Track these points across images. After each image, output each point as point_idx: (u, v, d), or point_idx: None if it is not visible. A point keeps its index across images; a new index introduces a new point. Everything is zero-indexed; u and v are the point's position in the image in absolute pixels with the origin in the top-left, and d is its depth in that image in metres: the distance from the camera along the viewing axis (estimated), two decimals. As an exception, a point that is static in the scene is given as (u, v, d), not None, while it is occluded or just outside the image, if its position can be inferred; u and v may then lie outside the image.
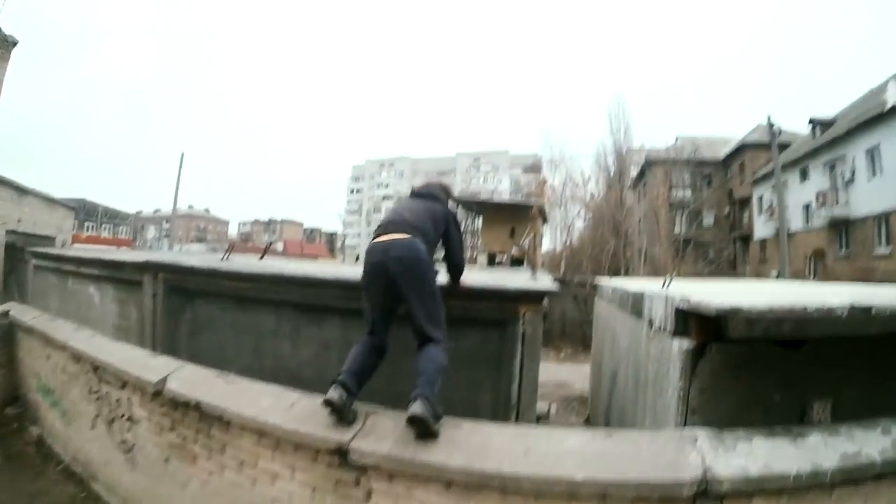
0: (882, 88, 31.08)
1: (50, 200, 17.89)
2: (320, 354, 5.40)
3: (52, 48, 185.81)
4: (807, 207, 36.36)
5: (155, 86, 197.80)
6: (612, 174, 49.75)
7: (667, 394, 4.17)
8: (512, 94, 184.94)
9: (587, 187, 48.78)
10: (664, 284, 5.66)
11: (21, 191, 15.99)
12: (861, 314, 3.41)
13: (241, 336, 5.93)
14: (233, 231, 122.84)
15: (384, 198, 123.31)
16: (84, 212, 60.18)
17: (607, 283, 10.30)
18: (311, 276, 5.68)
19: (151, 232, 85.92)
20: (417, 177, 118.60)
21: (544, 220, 37.28)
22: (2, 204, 14.56)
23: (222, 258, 7.80)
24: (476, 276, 5.81)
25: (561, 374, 16.68)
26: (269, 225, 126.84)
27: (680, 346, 3.91)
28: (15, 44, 16.81)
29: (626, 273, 38.32)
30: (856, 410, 3.73)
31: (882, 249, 28.70)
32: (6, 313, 8.52)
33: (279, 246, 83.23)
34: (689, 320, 3.93)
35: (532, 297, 4.87)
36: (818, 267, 35.01)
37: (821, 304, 3.40)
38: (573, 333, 22.60)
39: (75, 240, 30.72)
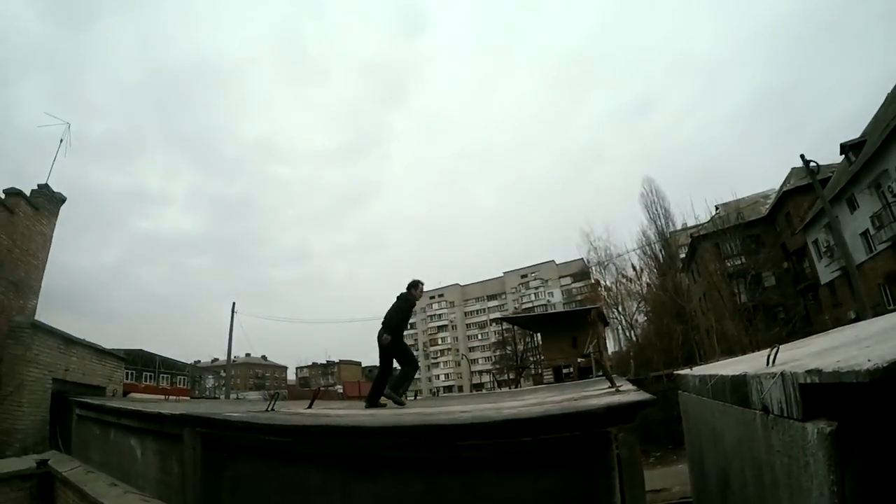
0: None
1: (99, 350, 17.73)
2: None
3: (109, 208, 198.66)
4: (865, 235, 35.05)
5: (206, 241, 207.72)
6: (661, 261, 49.22)
7: (811, 493, 3.22)
8: (542, 205, 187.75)
9: (641, 280, 48.08)
10: (769, 360, 4.67)
11: (69, 340, 15.79)
12: None
13: (286, 494, 5.30)
14: (291, 376, 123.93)
15: (439, 328, 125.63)
16: (142, 362, 61.39)
17: (689, 372, 9.41)
18: (358, 424, 5.09)
19: (210, 381, 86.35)
20: (469, 303, 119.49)
21: (604, 322, 36.46)
22: (49, 352, 14.42)
23: (267, 409, 7.56)
24: (545, 397, 5.20)
25: (655, 479, 15.66)
26: (327, 367, 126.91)
27: (820, 431, 2.97)
28: (63, 201, 17.38)
29: (701, 358, 36.71)
30: None
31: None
32: (45, 461, 8.54)
33: (339, 388, 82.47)
34: (818, 399, 3.07)
35: (621, 414, 4.08)
36: (895, 291, 33.49)
37: None
38: (658, 434, 21.33)
39: (132, 389, 30.38)
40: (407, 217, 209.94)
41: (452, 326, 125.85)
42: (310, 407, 8.19)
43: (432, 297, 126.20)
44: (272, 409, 7.29)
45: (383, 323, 9.65)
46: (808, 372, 3.02)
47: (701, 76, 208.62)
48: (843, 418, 2.87)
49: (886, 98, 35.33)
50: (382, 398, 9.25)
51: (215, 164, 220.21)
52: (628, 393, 5.00)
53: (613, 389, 5.56)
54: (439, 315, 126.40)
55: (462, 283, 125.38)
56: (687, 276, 54.31)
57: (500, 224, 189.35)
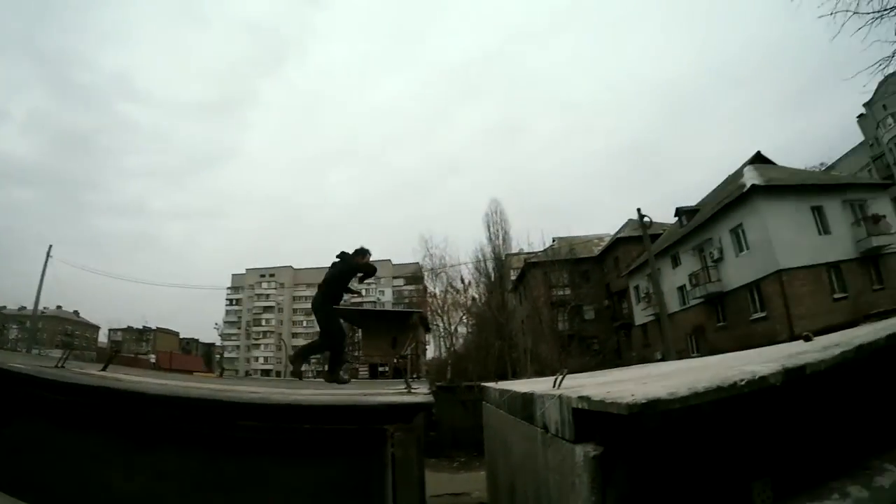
0: (739, 174, 36.28)
1: None
2: (154, 487, 4.36)
3: None
4: (681, 289, 40.15)
5: (35, 171, 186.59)
6: (492, 279, 50.61)
7: None
8: (393, 204, 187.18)
9: (468, 293, 49.20)
10: (555, 383, 4.83)
11: None
12: (795, 375, 3.04)
13: (66, 462, 4.74)
14: (103, 338, 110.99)
15: (265, 309, 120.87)
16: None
17: (493, 386, 9.70)
18: (139, 391, 4.76)
19: (14, 332, 77.32)
20: (299, 288, 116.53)
21: (426, 328, 36.90)
22: None
23: (57, 364, 6.73)
24: (341, 390, 5.23)
25: (457, 483, 16.28)
26: (143, 334, 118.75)
27: (585, 454, 3.17)
28: None
29: (514, 374, 38.08)
30: (801, 481, 3.29)
31: (758, 314, 32.28)
32: None
33: (153, 357, 78.52)
34: (590, 423, 3.25)
35: (400, 414, 4.14)
36: (700, 342, 37.96)
37: (750, 375, 2.88)
38: (465, 440, 21.90)
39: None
40: (258, 193, 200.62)
41: (279, 309, 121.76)
42: (104, 369, 7.63)
43: (262, 276, 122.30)
44: (62, 366, 6.69)
45: (319, 286, 9.15)
46: (581, 398, 3.21)
47: (574, 116, 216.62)
48: (609, 444, 3.08)
49: (725, 179, 40.40)
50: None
51: (66, 90, 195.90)
52: (416, 395, 5.04)
53: (406, 390, 5.62)
54: (267, 295, 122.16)
55: (296, 267, 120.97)
56: (514, 297, 56.27)
57: (352, 217, 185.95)
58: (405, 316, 28.83)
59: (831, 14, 8.46)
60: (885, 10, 8.36)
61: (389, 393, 5.42)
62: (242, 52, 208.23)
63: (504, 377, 34.57)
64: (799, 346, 5.43)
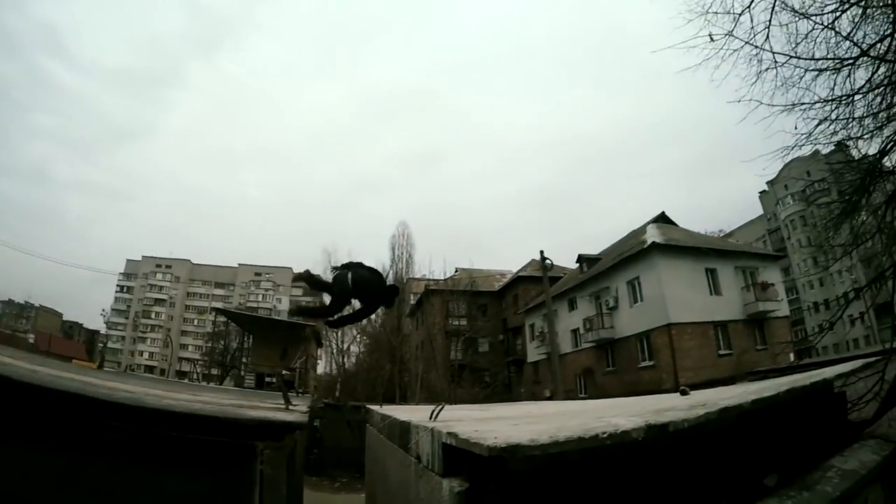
0: (642, 230, 38.18)
1: None
2: (17, 487, 4.08)
3: None
4: (575, 332, 41.54)
5: None
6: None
7: None
8: (302, 212, 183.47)
9: None
10: (432, 415, 4.83)
11: None
12: (658, 432, 3.19)
13: None
14: None
15: (156, 301, 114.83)
16: None
17: (377, 409, 9.70)
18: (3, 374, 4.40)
19: None
20: (194, 284, 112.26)
21: (319, 343, 36.37)
22: None
23: None
24: (214, 398, 5.01)
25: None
26: (24, 310, 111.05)
27: (451, 488, 3.22)
28: None
29: (404, 399, 37.99)
30: None
31: (646, 362, 33.82)
32: None
33: (31, 337, 74.04)
34: (460, 457, 3.27)
35: (272, 431, 4.02)
36: (588, 383, 39.18)
37: (614, 429, 3.04)
38: (349, 461, 21.40)
39: None
40: (167, 180, 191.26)
41: (171, 304, 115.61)
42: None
43: (158, 266, 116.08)
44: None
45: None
46: (450, 433, 3.29)
47: (493, 155, 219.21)
48: (476, 481, 3.10)
49: (629, 233, 42.64)
50: None
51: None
52: (293, 413, 4.97)
53: (285, 406, 5.55)
54: (161, 287, 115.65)
55: (194, 261, 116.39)
56: (411, 322, 56.17)
57: (260, 218, 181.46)
58: (298, 328, 28.18)
59: (738, 101, 8.85)
60: (794, 104, 8.84)
61: (265, 407, 5.31)
62: (177, 26, 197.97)
63: (392, 401, 34.49)
64: (674, 399, 5.63)
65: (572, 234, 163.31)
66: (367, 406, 12.60)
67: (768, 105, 8.71)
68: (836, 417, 6.13)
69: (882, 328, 58.80)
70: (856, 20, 8.83)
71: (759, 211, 75.66)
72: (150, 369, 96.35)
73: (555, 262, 33.18)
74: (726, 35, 9.08)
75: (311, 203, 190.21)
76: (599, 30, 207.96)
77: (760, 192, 69.32)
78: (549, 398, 28.46)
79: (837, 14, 8.89)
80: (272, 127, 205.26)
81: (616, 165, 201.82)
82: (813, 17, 8.86)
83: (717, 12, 9.13)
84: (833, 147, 9.87)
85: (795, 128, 8.94)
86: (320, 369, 49.82)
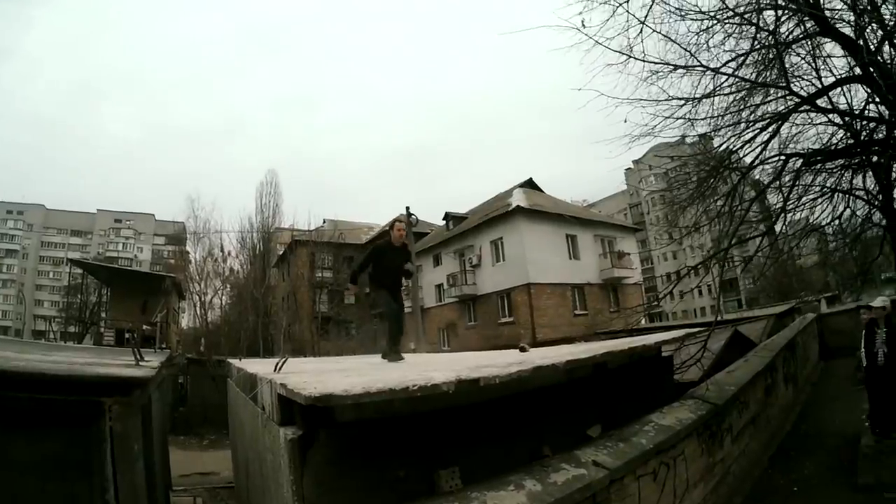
0: (509, 193, 39.64)
1: None
2: None
3: None
4: (439, 287, 42.66)
5: None
6: (257, 252, 48.94)
7: (283, 489, 3.68)
8: (167, 153, 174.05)
9: (227, 263, 47.04)
10: (276, 367, 5.04)
11: None
12: (469, 386, 3.45)
13: None
14: None
15: (7, 252, 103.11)
16: None
17: (236, 363, 9.75)
18: None
19: None
20: (49, 233, 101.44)
21: (181, 295, 35.38)
22: None
23: None
24: (67, 357, 5.07)
25: (206, 462, 15.96)
26: None
27: (286, 436, 3.48)
28: None
29: (270, 352, 37.50)
30: (485, 470, 3.84)
31: (506, 318, 35.32)
32: None
33: None
34: (293, 407, 3.54)
35: (119, 388, 4.08)
36: (451, 336, 40.55)
37: (425, 381, 3.29)
38: (216, 417, 20.45)
39: None
40: (23, 108, 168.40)
41: (24, 255, 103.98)
42: None
43: (9, 212, 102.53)
44: None
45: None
46: (282, 384, 3.53)
47: (369, 108, 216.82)
48: (310, 429, 3.38)
49: (496, 195, 43.83)
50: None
51: None
52: (142, 368, 5.02)
53: (135, 362, 5.54)
54: (11, 236, 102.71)
55: (49, 207, 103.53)
56: (278, 274, 55.21)
57: (122, 159, 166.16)
58: (158, 279, 27.26)
59: (579, 90, 9.39)
60: (642, 99, 9.59)
61: (116, 364, 5.29)
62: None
63: (257, 354, 34.13)
64: (513, 355, 6.15)
65: (442, 193, 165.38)
66: (229, 360, 12.56)
67: (608, 96, 9.29)
68: (663, 378, 6.78)
69: (727, 300, 64.91)
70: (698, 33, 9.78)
71: (623, 186, 79.49)
72: (3, 330, 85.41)
73: (422, 219, 33.62)
74: (602, 24, 9.62)
75: (177, 145, 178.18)
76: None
77: (626, 169, 72.42)
78: (413, 351, 29.08)
79: (700, 31, 9.80)
80: (139, 56, 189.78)
81: (493, 133, 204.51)
82: (689, 19, 9.69)
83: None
84: (697, 138, 10.84)
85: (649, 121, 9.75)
86: (184, 323, 48.45)
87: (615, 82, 9.61)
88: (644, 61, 9.64)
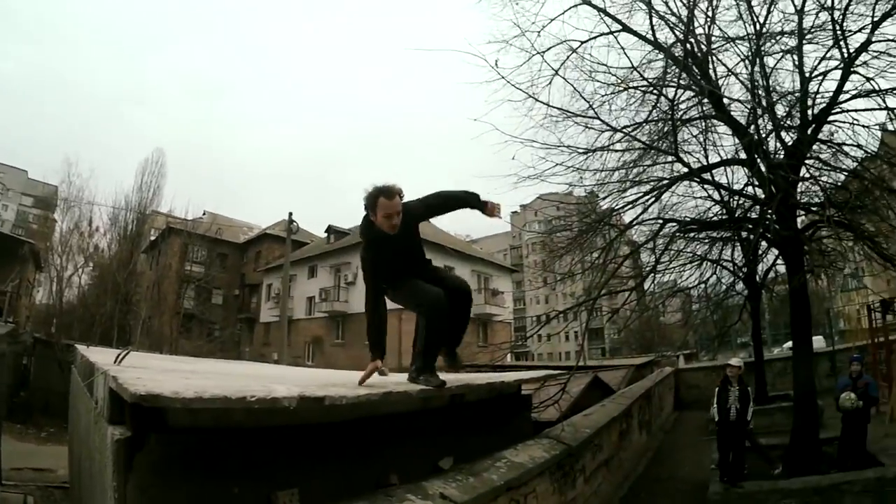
0: None
1: None
2: None
3: None
4: (311, 300, 42.45)
5: None
6: (128, 232, 46.15)
7: (107, 494, 3.31)
8: (49, 107, 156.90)
9: (93, 239, 44.14)
10: (117, 359, 4.61)
11: None
12: (313, 404, 3.33)
13: None
14: None
15: None
16: None
17: (82, 350, 9.01)
18: None
19: None
20: None
21: (38, 266, 33.38)
22: None
23: None
24: None
25: (43, 456, 14.60)
26: None
27: (113, 436, 3.06)
28: None
29: (126, 344, 35.52)
30: (327, 495, 3.65)
31: (371, 341, 34.20)
32: None
33: None
34: (125, 405, 3.13)
35: None
36: (316, 352, 40.34)
37: (266, 394, 3.08)
38: (59, 407, 19.05)
39: None
40: None
41: None
42: None
43: None
44: None
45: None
46: (113, 378, 3.13)
47: (280, 102, 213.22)
48: (140, 431, 3.02)
49: None
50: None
51: None
52: None
53: None
54: None
55: None
56: (147, 260, 52.72)
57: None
58: (16, 244, 25.41)
59: (475, 120, 9.66)
60: (535, 141, 10.02)
61: None
62: None
63: (110, 343, 32.23)
64: (371, 378, 6.18)
65: (331, 206, 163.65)
66: (76, 346, 11.89)
67: (503, 132, 9.62)
68: (521, 416, 6.90)
69: (592, 347, 68.10)
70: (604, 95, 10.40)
71: (509, 227, 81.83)
72: None
73: (305, 228, 33.30)
74: (515, 69, 10.01)
75: (66, 100, 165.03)
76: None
77: (513, 212, 74.28)
78: (277, 362, 28.60)
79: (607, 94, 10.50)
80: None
81: (395, 154, 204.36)
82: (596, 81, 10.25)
83: (517, 46, 10.06)
84: (584, 192, 11.48)
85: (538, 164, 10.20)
86: (38, 298, 45.63)
87: (515, 125, 9.96)
88: (548, 105, 10.05)
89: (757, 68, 10.39)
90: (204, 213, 51.41)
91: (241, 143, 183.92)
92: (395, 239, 4.85)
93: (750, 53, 10.43)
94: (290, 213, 29.96)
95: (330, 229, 44.99)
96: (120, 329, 39.13)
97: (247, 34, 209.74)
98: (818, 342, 24.97)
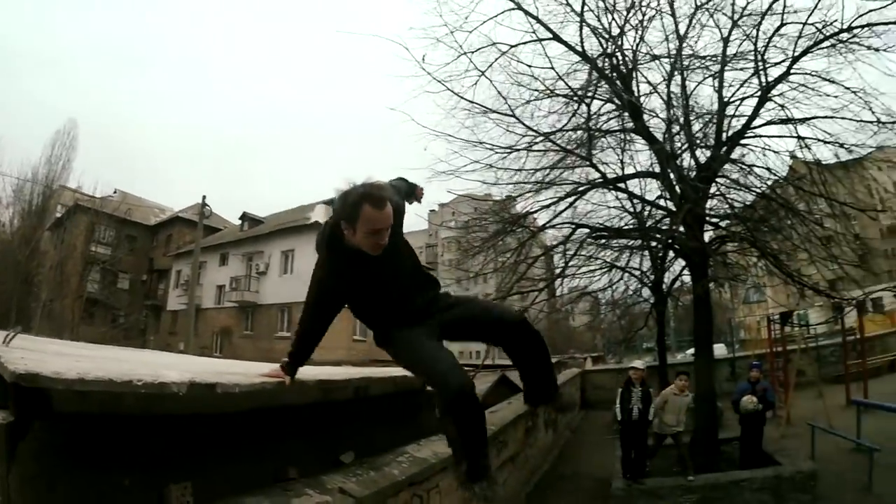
0: (311, 207, 38.71)
1: None
2: None
3: None
4: (221, 289, 40.98)
5: None
6: (33, 207, 43.49)
7: None
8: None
9: None
10: (5, 339, 4.27)
11: None
12: (205, 391, 3.13)
13: None
14: None
15: None
16: None
17: None
18: None
19: None
20: None
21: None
22: None
23: None
24: None
25: None
26: None
27: None
28: None
29: (28, 326, 33.76)
30: (222, 489, 3.48)
31: (283, 332, 34.59)
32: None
33: None
34: (8, 388, 2.87)
35: None
36: (224, 343, 38.87)
37: (153, 378, 2.89)
38: None
39: None
40: None
41: None
42: None
43: None
44: None
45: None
46: None
47: (198, 83, 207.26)
48: (24, 416, 2.70)
49: (297, 207, 42.21)
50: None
51: None
52: None
53: None
54: None
55: None
56: (51, 239, 50.08)
57: None
58: None
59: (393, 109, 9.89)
60: (450, 135, 10.18)
61: None
62: None
63: (6, 326, 30.61)
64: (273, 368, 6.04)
65: (247, 192, 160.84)
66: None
67: (421, 125, 9.81)
68: (426, 412, 6.93)
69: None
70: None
71: (426, 225, 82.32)
72: None
73: (220, 214, 32.54)
74: (444, 65, 10.09)
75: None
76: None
77: (431, 210, 74.59)
78: (183, 352, 27.74)
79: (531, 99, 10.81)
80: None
81: (315, 144, 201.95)
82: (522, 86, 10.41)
83: (447, 44, 10.19)
84: (501, 194, 11.71)
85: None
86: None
87: (437, 122, 10.04)
88: (471, 102, 10.14)
89: (677, 88, 10.89)
90: (115, 192, 48.90)
91: (158, 122, 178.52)
92: (377, 260, 3.18)
93: (672, 71, 10.93)
94: (204, 197, 29.16)
95: (244, 216, 44.15)
96: (20, 311, 37.11)
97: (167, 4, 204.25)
98: (720, 350, 26.21)
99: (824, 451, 10.29)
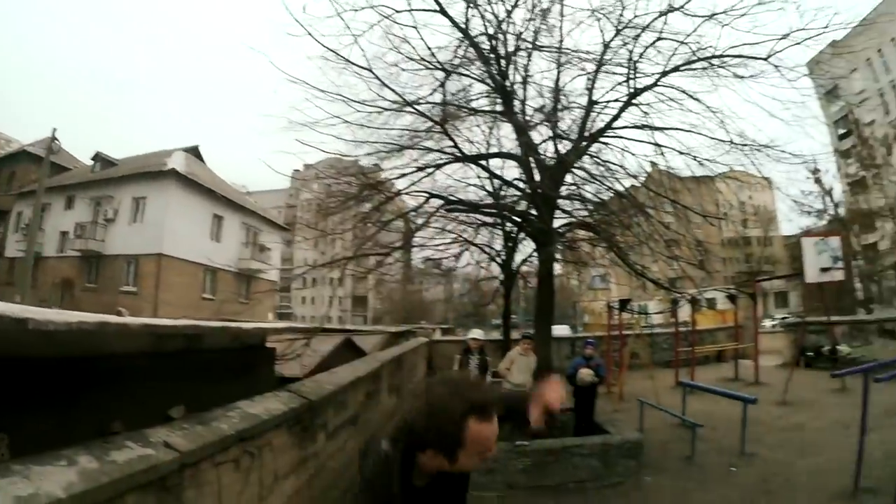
0: (168, 153, 36.78)
1: None
2: None
3: None
4: (65, 235, 37.12)
5: None
6: None
7: None
8: None
9: None
10: None
11: None
12: (13, 326, 2.44)
13: None
14: None
15: None
16: None
17: None
18: None
19: None
20: None
21: None
22: None
23: None
24: None
25: None
26: None
27: None
28: None
29: None
30: (41, 443, 3.28)
31: (129, 287, 32.88)
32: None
33: None
34: None
35: None
36: (66, 295, 35.37)
37: None
38: None
39: None
40: None
41: None
42: None
43: None
44: None
45: None
46: None
47: None
48: None
49: (158, 151, 39.63)
50: None
51: None
52: None
53: None
54: None
55: None
56: None
57: None
58: None
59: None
60: (311, 85, 10.08)
61: None
62: None
63: None
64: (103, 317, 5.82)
65: (107, 133, 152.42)
66: None
67: (281, 70, 9.58)
68: (264, 369, 6.94)
69: (355, 314, 69.84)
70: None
71: (288, 184, 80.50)
72: None
73: (71, 153, 30.39)
74: (324, 18, 9.93)
75: None
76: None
77: (295, 170, 73.47)
78: (19, 304, 25.76)
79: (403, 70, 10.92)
80: None
81: (204, 91, 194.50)
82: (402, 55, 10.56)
83: None
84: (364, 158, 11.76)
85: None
86: None
87: (318, 80, 9.91)
88: (335, 52, 10.03)
89: (551, 81, 11.66)
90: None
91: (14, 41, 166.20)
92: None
93: (557, 67, 11.56)
94: (54, 130, 26.25)
95: (97, 156, 40.10)
96: None
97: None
98: (565, 330, 27.61)
99: (652, 425, 11.28)
